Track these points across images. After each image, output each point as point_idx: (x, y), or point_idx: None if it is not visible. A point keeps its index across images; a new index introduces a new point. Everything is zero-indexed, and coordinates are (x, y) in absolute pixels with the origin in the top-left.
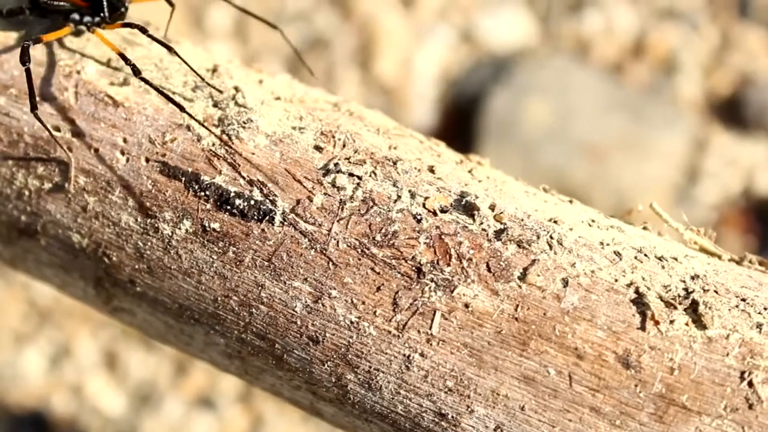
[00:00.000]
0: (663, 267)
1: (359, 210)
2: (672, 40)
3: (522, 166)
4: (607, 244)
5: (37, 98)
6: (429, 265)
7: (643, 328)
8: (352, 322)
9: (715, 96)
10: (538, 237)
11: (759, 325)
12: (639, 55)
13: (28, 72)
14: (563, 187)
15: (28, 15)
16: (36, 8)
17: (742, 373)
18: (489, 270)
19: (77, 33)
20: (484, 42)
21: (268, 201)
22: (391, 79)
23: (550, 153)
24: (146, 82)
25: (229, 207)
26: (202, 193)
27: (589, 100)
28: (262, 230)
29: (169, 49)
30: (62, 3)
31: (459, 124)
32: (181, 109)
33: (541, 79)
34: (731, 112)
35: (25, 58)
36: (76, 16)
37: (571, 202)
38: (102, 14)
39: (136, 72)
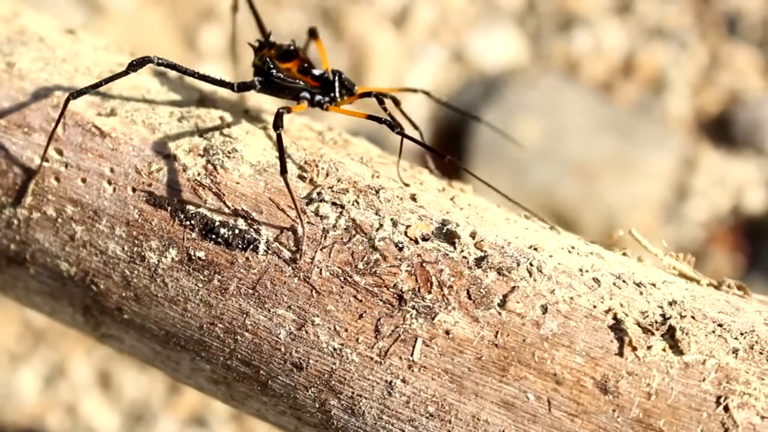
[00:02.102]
0: (641, 293)
1: (342, 238)
2: (661, 59)
3: (512, 185)
4: (587, 271)
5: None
6: (410, 292)
7: (621, 353)
8: (335, 349)
9: (703, 114)
10: (518, 264)
11: (735, 351)
12: (628, 74)
13: (279, 137)
14: (553, 206)
15: (258, 90)
16: (268, 84)
17: (718, 398)
18: (469, 297)
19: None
20: (475, 61)
21: (252, 230)
22: None
23: (540, 172)
24: (409, 138)
25: (214, 236)
26: (188, 222)
27: (579, 119)
28: (247, 259)
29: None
30: (296, 82)
31: (449, 143)
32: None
33: (531, 99)
34: (720, 130)
35: (278, 123)
36: (306, 95)
37: (552, 228)
38: (333, 95)
39: (393, 126)
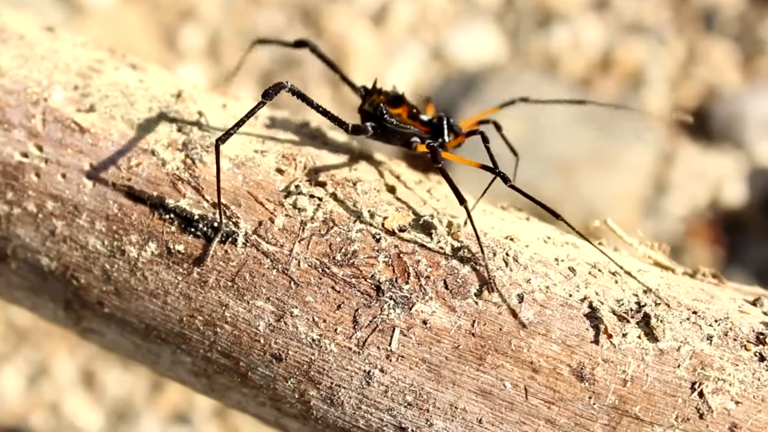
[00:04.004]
0: (616, 282)
1: (320, 230)
2: (639, 54)
3: (495, 182)
4: (562, 260)
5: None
6: (388, 283)
7: (596, 341)
8: (313, 340)
9: (682, 109)
10: (495, 254)
11: (709, 337)
12: (607, 70)
13: (443, 171)
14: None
15: (370, 134)
16: (381, 129)
17: (693, 383)
18: (446, 287)
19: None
20: (454, 59)
21: (231, 223)
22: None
23: (521, 168)
24: (517, 189)
25: (193, 229)
26: (167, 216)
27: (558, 115)
28: (226, 251)
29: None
30: (407, 127)
31: None
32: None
33: (510, 95)
34: (698, 124)
35: (437, 158)
36: (417, 140)
37: (527, 219)
38: (442, 139)
39: (506, 180)
